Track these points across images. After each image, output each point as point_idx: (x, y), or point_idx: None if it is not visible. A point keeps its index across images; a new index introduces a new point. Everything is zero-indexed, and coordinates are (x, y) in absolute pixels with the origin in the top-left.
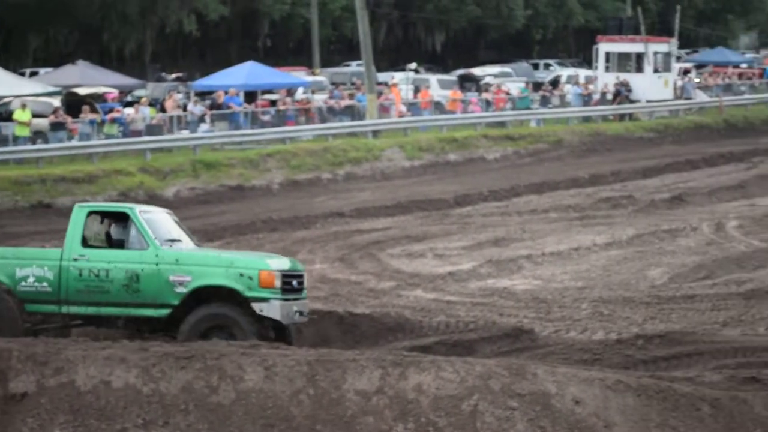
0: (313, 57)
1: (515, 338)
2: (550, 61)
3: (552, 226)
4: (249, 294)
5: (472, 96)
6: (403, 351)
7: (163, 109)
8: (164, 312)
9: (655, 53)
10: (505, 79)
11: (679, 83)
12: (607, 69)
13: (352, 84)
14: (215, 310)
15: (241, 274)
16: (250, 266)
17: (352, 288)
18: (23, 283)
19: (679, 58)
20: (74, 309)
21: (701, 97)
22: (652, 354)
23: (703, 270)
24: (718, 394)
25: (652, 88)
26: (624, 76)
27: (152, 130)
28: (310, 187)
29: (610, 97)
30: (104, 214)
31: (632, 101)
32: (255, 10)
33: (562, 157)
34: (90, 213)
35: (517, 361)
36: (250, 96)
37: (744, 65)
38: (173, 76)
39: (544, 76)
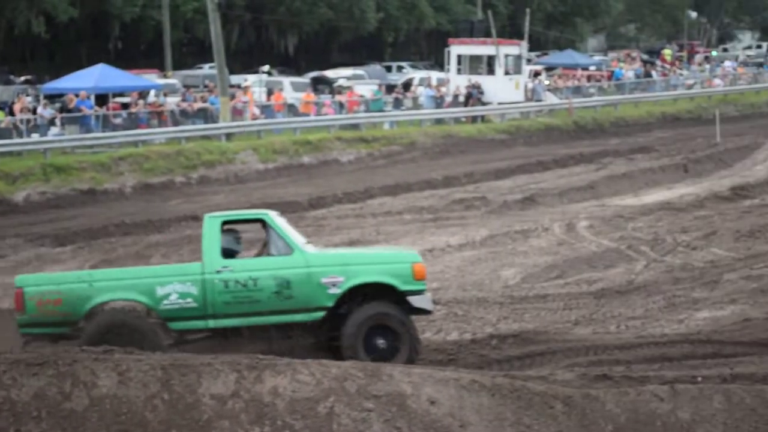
0: (165, 59)
1: None
2: (403, 64)
3: (406, 228)
4: (405, 288)
5: (326, 98)
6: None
7: (11, 113)
8: (318, 315)
9: (506, 56)
10: (357, 81)
11: (530, 85)
12: (458, 71)
13: (205, 86)
14: (376, 309)
15: (394, 269)
16: (403, 260)
17: None
18: (165, 302)
19: (529, 61)
20: (222, 322)
21: (551, 99)
22: (506, 353)
23: (554, 270)
24: (571, 391)
25: (503, 90)
26: (476, 79)
27: (1, 133)
28: (163, 190)
29: (462, 99)
30: (238, 222)
31: (484, 103)
32: (105, 11)
33: (415, 159)
34: (224, 222)
35: (372, 362)
36: (102, 99)
37: (592, 68)
38: (22, 78)
39: (397, 78)
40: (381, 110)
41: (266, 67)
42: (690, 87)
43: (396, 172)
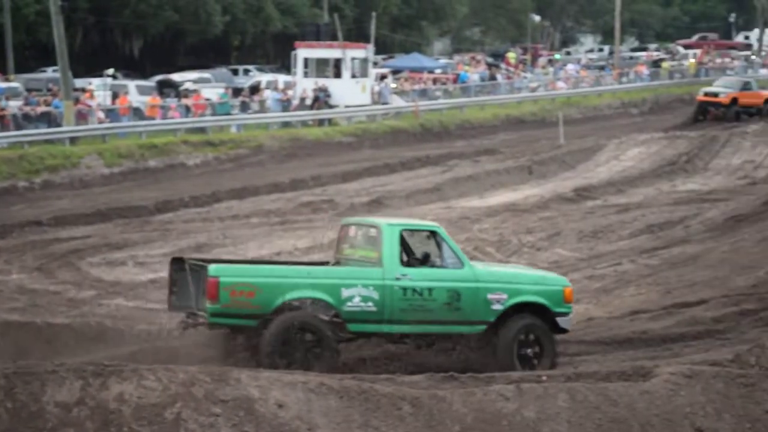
0: (7, 62)
1: None
2: (250, 67)
3: (254, 232)
4: (556, 309)
5: (172, 102)
6: (104, 360)
7: None
8: (479, 329)
9: (353, 59)
10: (204, 84)
11: (377, 88)
12: (305, 74)
13: (48, 90)
14: (529, 325)
15: (550, 291)
16: (557, 283)
17: (51, 298)
18: (349, 303)
19: (375, 64)
20: (396, 328)
21: (398, 102)
22: (354, 355)
23: None
24: (418, 393)
25: (350, 93)
26: (322, 82)
27: None
28: (5, 195)
29: (309, 102)
30: (413, 232)
31: (331, 106)
32: None
33: (262, 163)
34: (402, 231)
35: (220, 367)
36: None
37: (438, 70)
38: None
39: (244, 81)
40: (228, 114)
41: (111, 71)
42: (534, 90)
43: (243, 175)
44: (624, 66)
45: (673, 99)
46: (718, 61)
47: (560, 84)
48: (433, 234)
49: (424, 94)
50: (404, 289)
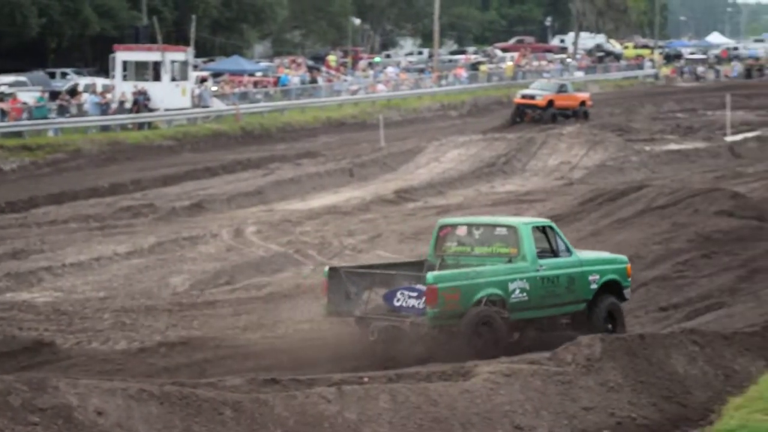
0: None
1: (36, 352)
2: (67, 70)
3: (72, 237)
4: (624, 283)
5: None
6: None
7: None
8: (583, 306)
9: (173, 62)
10: (20, 88)
11: (197, 91)
12: (124, 78)
13: None
14: (611, 299)
15: (620, 269)
16: (623, 262)
17: None
18: (513, 296)
19: (195, 67)
20: (536, 313)
21: (218, 105)
22: (175, 361)
23: (223, 276)
24: (240, 397)
25: (170, 96)
26: (142, 85)
27: None
28: None
29: (128, 105)
30: (537, 228)
31: (151, 110)
32: None
33: (81, 167)
34: (532, 227)
35: (38, 375)
36: None
37: (259, 73)
38: None
39: (61, 85)
40: (45, 117)
41: None
42: (354, 93)
43: (61, 180)
44: (443, 69)
45: (492, 101)
46: (535, 64)
47: (380, 87)
48: (550, 228)
49: (244, 97)
50: (543, 278)
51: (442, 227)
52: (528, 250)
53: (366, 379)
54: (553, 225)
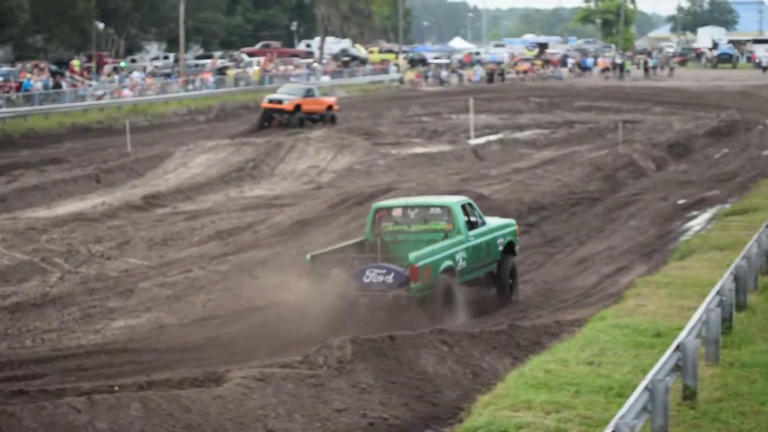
0: None
1: None
2: None
3: None
4: (516, 242)
5: None
6: None
7: None
8: (494, 265)
9: None
10: None
11: None
12: None
13: None
14: (511, 258)
15: (514, 231)
16: (513, 225)
17: None
18: (459, 264)
19: None
20: (471, 275)
21: None
22: None
23: None
24: None
25: None
26: None
27: None
28: None
29: None
30: (462, 206)
31: None
32: None
33: None
34: (462, 206)
35: None
36: None
37: (0, 79)
38: None
39: None
40: None
41: None
42: (100, 98)
43: None
44: (190, 74)
45: (239, 106)
46: (282, 68)
47: (126, 92)
48: (469, 204)
49: None
50: (473, 247)
51: (378, 210)
52: (461, 224)
53: (116, 388)
54: (471, 201)
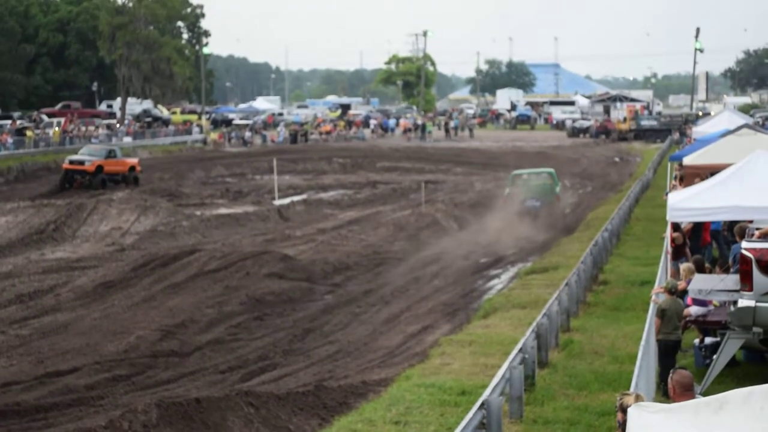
0: None
1: None
2: None
3: None
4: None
5: None
6: None
7: None
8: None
9: None
10: None
11: None
12: None
13: None
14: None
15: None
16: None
17: None
18: None
19: None
20: None
21: None
22: None
23: None
24: None
25: None
26: None
27: None
28: None
29: None
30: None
31: None
32: None
33: None
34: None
35: None
36: None
37: None
38: None
39: None
40: None
41: None
42: None
43: None
44: None
45: (39, 167)
46: (83, 129)
47: None
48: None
49: None
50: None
51: (514, 177)
52: (555, 178)
53: None
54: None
